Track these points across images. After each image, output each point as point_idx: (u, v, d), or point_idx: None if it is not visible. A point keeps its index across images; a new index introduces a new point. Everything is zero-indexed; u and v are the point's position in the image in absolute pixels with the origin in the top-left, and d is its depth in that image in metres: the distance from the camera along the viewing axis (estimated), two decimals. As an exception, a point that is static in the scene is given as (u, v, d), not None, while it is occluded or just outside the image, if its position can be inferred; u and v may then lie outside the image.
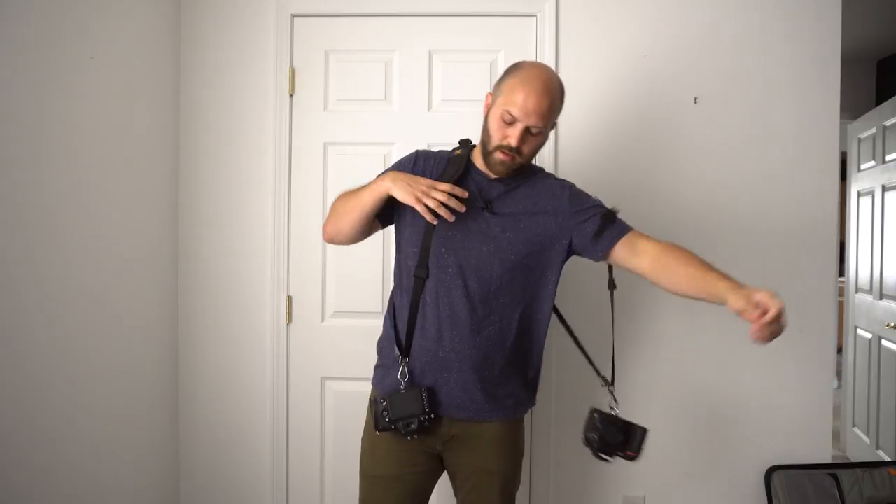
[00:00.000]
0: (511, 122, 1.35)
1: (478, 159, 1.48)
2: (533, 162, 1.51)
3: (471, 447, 1.46)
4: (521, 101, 1.34)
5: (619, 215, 1.47)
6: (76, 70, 1.62)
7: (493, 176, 1.45)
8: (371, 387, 1.54)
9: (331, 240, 1.54)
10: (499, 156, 1.39)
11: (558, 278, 1.48)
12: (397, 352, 1.45)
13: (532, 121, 1.34)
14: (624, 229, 1.44)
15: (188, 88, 2.11)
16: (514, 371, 1.47)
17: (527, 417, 1.61)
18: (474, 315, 1.41)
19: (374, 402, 1.45)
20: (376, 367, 1.54)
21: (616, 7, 2.02)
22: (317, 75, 2.08)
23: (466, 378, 1.42)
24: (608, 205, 1.49)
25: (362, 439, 1.54)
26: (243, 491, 2.11)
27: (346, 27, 2.08)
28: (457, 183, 1.40)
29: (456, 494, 1.55)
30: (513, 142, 1.35)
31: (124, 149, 1.83)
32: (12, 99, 1.42)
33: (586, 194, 1.51)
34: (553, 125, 1.44)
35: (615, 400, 1.50)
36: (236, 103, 2.10)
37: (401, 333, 1.45)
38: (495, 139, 1.38)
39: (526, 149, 1.38)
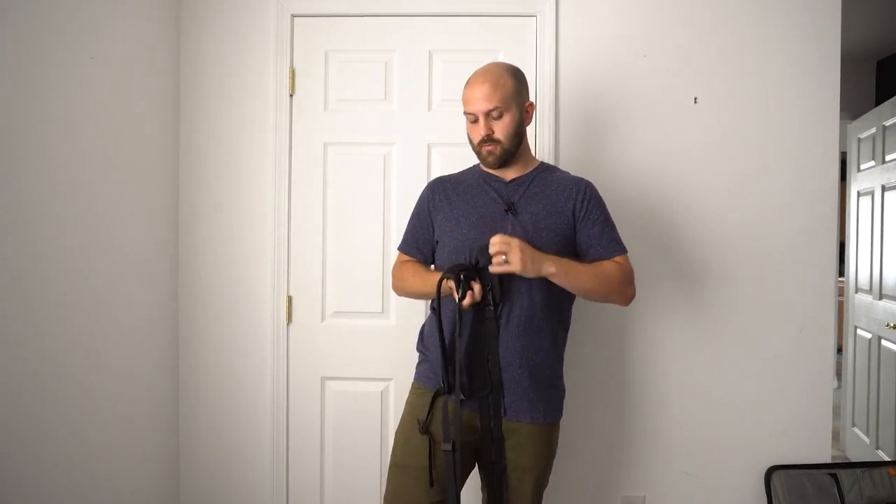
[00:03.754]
0: (475, 120, 1.52)
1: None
2: (543, 160, 1.57)
3: (510, 443, 1.49)
4: (468, 98, 1.52)
5: (620, 218, 1.50)
6: (77, 70, 1.62)
7: (507, 179, 1.56)
8: (413, 383, 1.60)
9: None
10: (483, 151, 1.53)
11: None
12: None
13: (482, 106, 1.48)
14: (614, 252, 1.54)
15: (188, 88, 2.11)
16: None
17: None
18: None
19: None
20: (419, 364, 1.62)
21: (616, 7, 2.03)
22: (317, 75, 2.08)
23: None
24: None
25: (396, 432, 1.58)
26: (243, 490, 2.11)
27: (346, 27, 2.08)
28: (475, 192, 1.56)
29: (484, 487, 1.59)
30: (482, 131, 1.50)
31: (125, 149, 1.83)
32: (14, 99, 1.42)
33: (599, 202, 1.58)
34: (516, 103, 1.51)
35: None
36: (236, 103, 2.10)
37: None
38: (474, 140, 1.54)
39: (497, 132, 1.50)
